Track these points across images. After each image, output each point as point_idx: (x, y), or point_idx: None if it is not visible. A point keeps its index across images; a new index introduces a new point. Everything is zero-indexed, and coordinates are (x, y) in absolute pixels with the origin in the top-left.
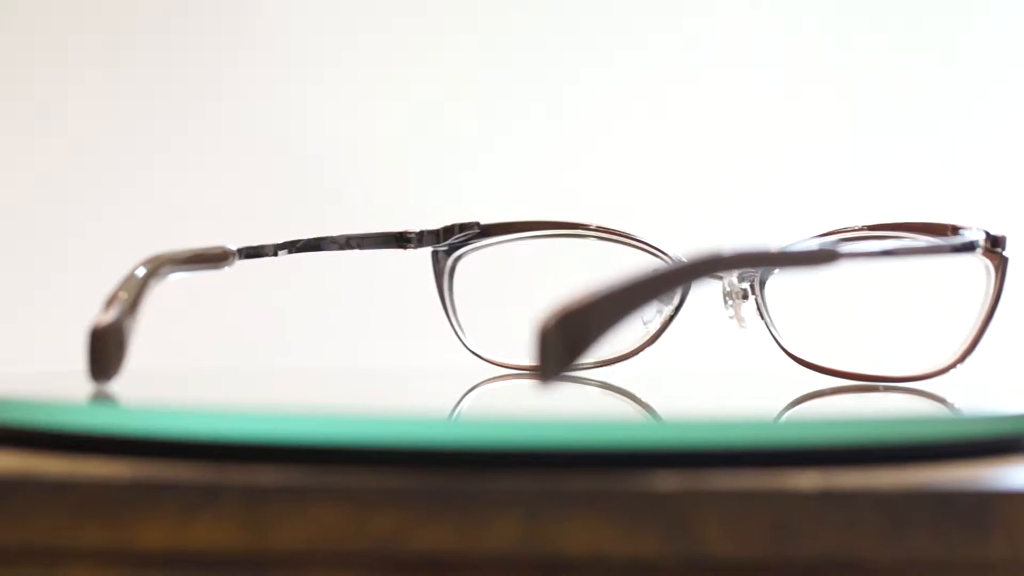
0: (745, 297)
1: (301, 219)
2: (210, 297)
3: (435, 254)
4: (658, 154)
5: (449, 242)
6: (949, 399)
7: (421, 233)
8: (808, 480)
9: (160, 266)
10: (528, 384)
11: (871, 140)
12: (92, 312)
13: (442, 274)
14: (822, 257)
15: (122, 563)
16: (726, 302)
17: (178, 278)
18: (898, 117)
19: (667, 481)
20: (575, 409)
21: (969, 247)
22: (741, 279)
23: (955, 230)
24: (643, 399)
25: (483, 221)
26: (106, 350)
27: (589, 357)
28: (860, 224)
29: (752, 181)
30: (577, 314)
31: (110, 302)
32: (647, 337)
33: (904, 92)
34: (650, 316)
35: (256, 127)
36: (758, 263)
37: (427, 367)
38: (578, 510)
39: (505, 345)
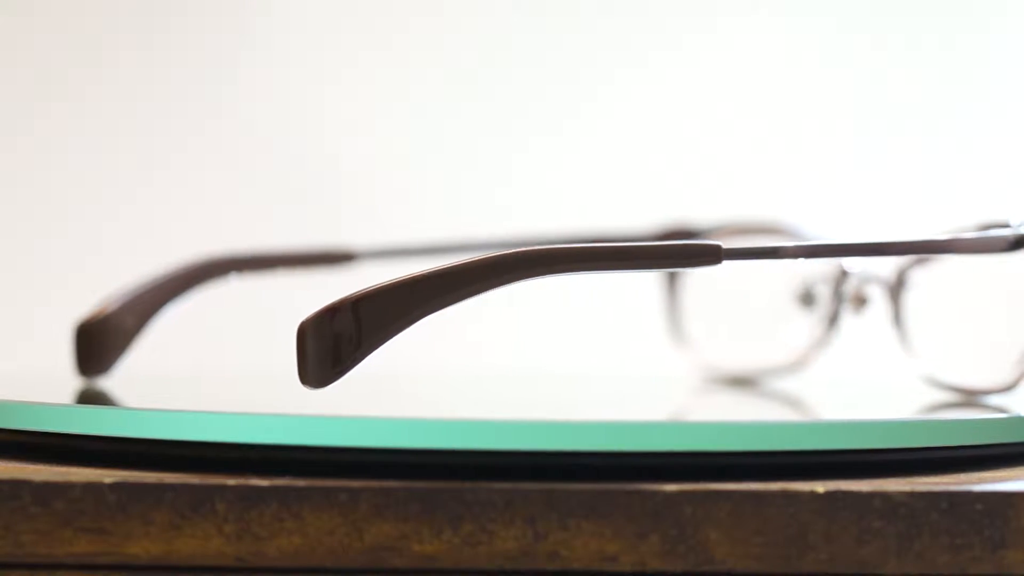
0: (861, 302)
1: (305, 223)
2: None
3: None
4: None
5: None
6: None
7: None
8: (816, 487)
9: (211, 268)
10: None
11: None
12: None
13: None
14: (702, 255)
15: (111, 572)
16: (849, 308)
17: (296, 278)
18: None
19: (672, 487)
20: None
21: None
22: (863, 281)
23: None
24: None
25: (695, 225)
26: (92, 344)
27: (365, 357)
28: (976, 224)
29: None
30: (340, 312)
31: (106, 300)
32: (809, 346)
33: (906, 93)
34: (805, 324)
35: (262, 129)
36: (583, 262)
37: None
38: (581, 517)
39: (729, 350)
